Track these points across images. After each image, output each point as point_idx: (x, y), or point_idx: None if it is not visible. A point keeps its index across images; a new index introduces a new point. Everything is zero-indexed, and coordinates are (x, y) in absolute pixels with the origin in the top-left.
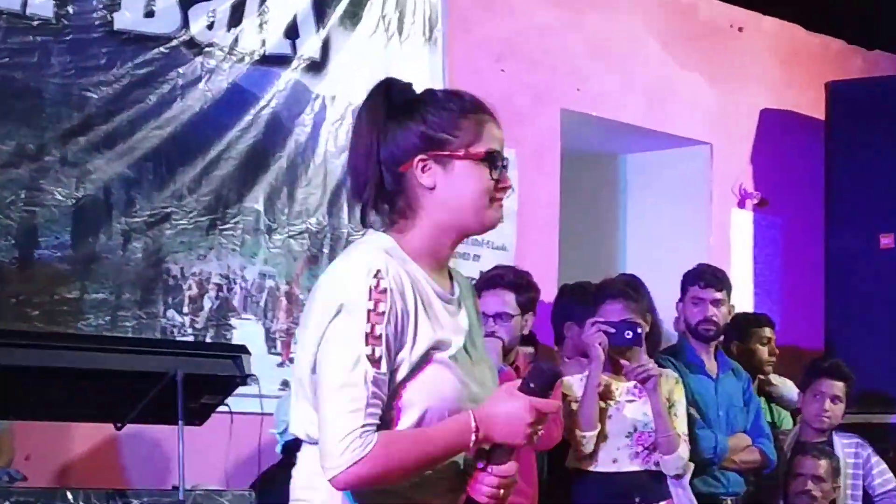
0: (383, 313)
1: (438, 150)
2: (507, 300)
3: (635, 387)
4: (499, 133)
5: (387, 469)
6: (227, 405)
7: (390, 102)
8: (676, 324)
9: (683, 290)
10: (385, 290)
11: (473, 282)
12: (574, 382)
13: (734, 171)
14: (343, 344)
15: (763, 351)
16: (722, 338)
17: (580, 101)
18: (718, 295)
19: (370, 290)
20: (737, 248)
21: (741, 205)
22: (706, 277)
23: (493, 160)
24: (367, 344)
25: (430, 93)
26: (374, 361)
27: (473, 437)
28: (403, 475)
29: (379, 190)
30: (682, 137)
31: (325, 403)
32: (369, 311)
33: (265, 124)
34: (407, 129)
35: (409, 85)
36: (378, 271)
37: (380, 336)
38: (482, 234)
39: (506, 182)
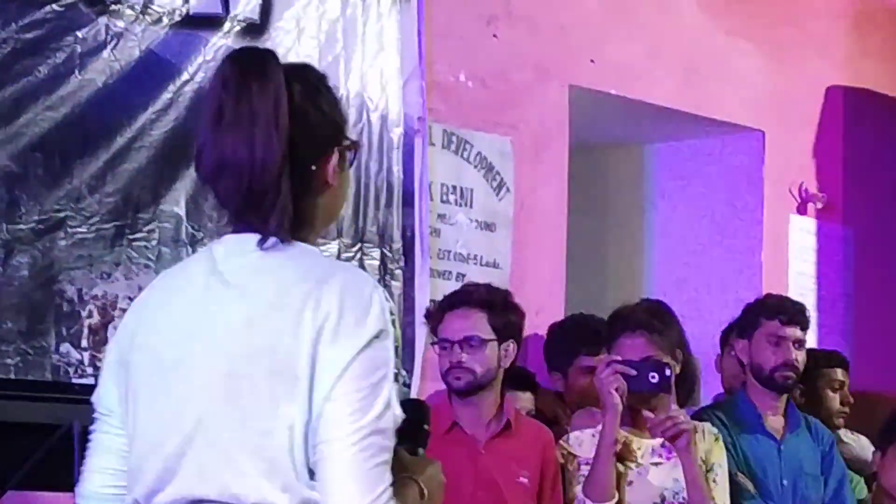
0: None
1: (340, 138)
2: (475, 322)
3: (663, 445)
4: None
5: None
6: None
7: (295, 75)
8: (718, 366)
9: (749, 325)
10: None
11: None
12: (584, 439)
13: (792, 167)
14: (379, 381)
15: (833, 399)
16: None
17: (594, 75)
18: (801, 335)
19: (391, 322)
20: (795, 264)
21: (801, 210)
22: (789, 312)
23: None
24: (393, 382)
25: (309, 66)
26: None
27: None
28: None
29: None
30: (726, 123)
31: (346, 455)
32: (396, 347)
33: (188, 104)
34: (320, 112)
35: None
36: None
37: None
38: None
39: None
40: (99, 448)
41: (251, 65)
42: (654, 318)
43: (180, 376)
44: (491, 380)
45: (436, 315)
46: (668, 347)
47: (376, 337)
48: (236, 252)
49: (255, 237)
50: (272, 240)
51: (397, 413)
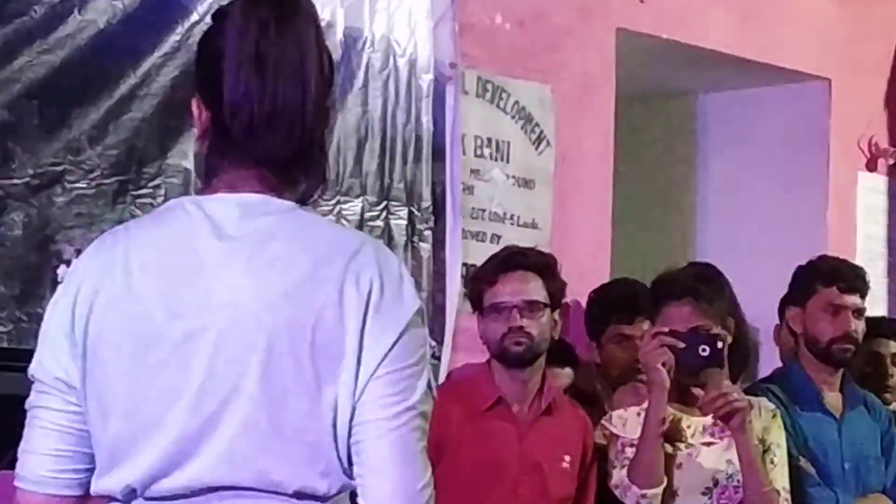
0: None
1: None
2: (535, 286)
3: (715, 423)
4: None
5: None
6: None
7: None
8: (777, 336)
9: (803, 292)
10: None
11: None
12: (627, 418)
13: (861, 119)
14: (421, 361)
15: (890, 369)
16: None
17: (644, 17)
18: (860, 303)
19: None
20: (864, 226)
21: (871, 166)
22: (847, 278)
23: None
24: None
25: None
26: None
27: None
28: None
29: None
30: (788, 70)
31: (394, 437)
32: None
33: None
34: (326, 50)
35: None
36: None
37: None
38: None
39: None
40: (44, 427)
41: (286, 5)
42: (702, 283)
43: (195, 350)
44: (543, 351)
45: (485, 278)
46: (719, 316)
47: (416, 313)
48: (244, 214)
49: (266, 198)
50: (286, 203)
51: (434, 395)
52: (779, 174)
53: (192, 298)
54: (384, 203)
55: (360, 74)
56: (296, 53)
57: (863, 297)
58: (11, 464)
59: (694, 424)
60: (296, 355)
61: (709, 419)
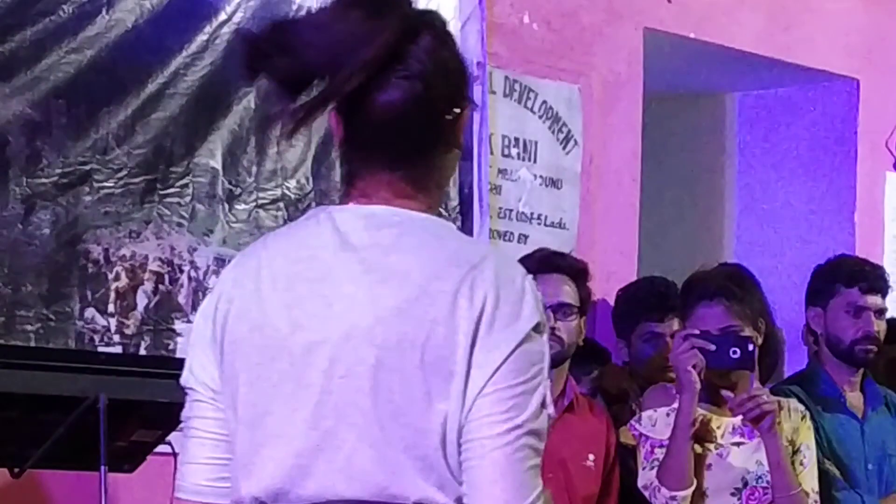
0: None
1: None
2: (568, 290)
3: (744, 424)
4: None
5: None
6: (169, 444)
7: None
8: (805, 338)
9: (824, 293)
10: None
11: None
12: (657, 418)
13: (889, 119)
14: (535, 378)
15: None
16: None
17: (672, 17)
18: (882, 303)
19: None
20: (893, 227)
21: None
22: (869, 278)
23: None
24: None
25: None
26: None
27: None
28: None
29: None
30: (816, 70)
31: (499, 455)
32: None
33: (226, 47)
34: (455, 59)
35: None
36: None
37: None
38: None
39: None
40: (199, 436)
41: (419, 15)
42: (735, 284)
43: (313, 363)
44: (570, 355)
45: None
46: (750, 317)
47: (534, 329)
48: (369, 225)
49: (394, 210)
50: (415, 214)
51: (551, 413)
52: (806, 174)
53: (314, 310)
54: None
55: None
56: (428, 65)
57: (884, 297)
58: (40, 463)
59: (724, 425)
60: (405, 371)
61: (738, 419)
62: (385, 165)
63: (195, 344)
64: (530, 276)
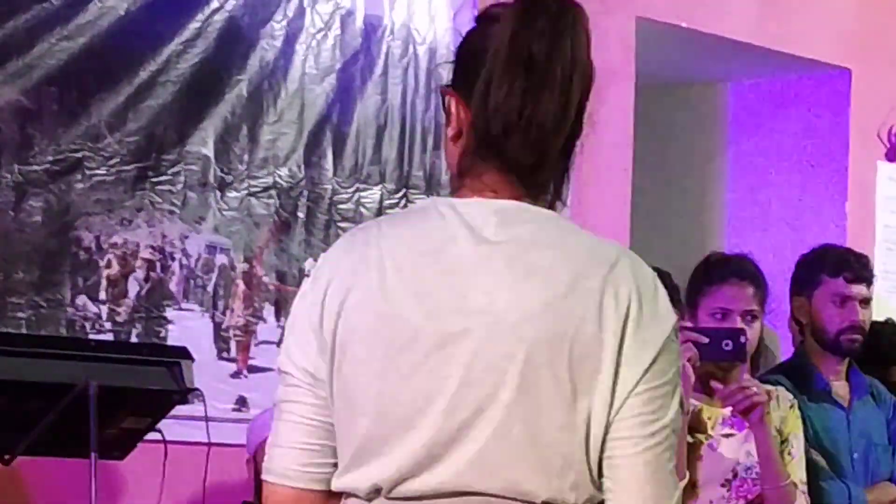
0: None
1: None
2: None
3: (734, 415)
4: None
5: None
6: (159, 431)
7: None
8: (790, 327)
9: (809, 282)
10: None
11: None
12: None
13: (882, 109)
14: (675, 376)
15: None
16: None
17: (664, 6)
18: (867, 292)
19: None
20: (883, 216)
21: (891, 156)
22: (854, 268)
23: None
24: None
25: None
26: None
27: None
28: None
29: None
30: (808, 60)
31: (649, 455)
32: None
33: (218, 34)
34: (590, 61)
35: None
36: None
37: None
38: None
39: None
40: (294, 420)
41: (565, 15)
42: (758, 270)
43: (451, 355)
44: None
45: None
46: (763, 305)
47: (673, 328)
48: (503, 221)
49: (523, 205)
50: (543, 210)
51: (686, 411)
52: (798, 163)
53: (449, 302)
54: (403, 191)
55: (380, 62)
56: (566, 63)
57: (869, 286)
58: (30, 450)
59: (714, 415)
60: (554, 367)
61: (728, 410)
62: (506, 169)
63: (297, 328)
64: (656, 275)
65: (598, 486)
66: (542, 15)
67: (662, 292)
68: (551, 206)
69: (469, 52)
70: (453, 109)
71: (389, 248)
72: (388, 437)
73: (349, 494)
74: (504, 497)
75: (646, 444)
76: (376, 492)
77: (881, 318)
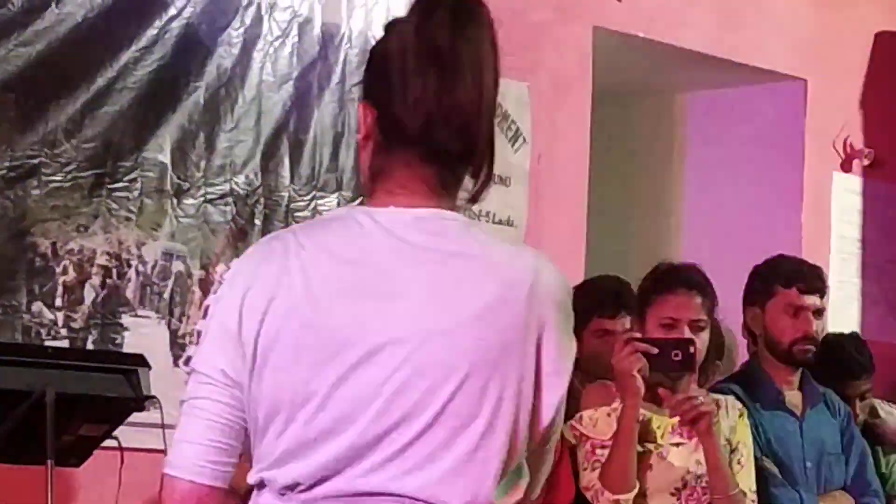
0: None
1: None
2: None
3: (682, 424)
4: None
5: None
6: (115, 438)
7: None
8: (744, 336)
9: (762, 293)
10: None
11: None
12: (598, 418)
13: (837, 119)
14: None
15: (857, 408)
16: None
17: (621, 16)
18: (820, 303)
19: None
20: (838, 227)
21: (846, 167)
22: (807, 279)
23: None
24: None
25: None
26: None
27: None
28: None
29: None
30: (764, 71)
31: (550, 463)
32: None
33: (175, 41)
34: (497, 51)
35: None
36: None
37: None
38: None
39: None
40: (207, 418)
41: (461, 5)
42: (707, 280)
43: (381, 362)
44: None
45: None
46: (710, 312)
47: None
48: (423, 228)
49: (439, 212)
50: (459, 218)
51: None
52: (754, 174)
53: (377, 311)
54: (360, 199)
55: (338, 70)
56: (471, 51)
57: (822, 296)
58: None
59: (664, 424)
60: (482, 376)
61: (678, 418)
62: (422, 163)
63: (212, 331)
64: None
65: (508, 490)
66: (441, 8)
67: (571, 300)
68: (474, 199)
69: (377, 58)
70: (361, 115)
71: (312, 257)
72: (316, 440)
73: (262, 487)
74: (418, 499)
75: (552, 447)
76: (292, 487)
77: (836, 330)
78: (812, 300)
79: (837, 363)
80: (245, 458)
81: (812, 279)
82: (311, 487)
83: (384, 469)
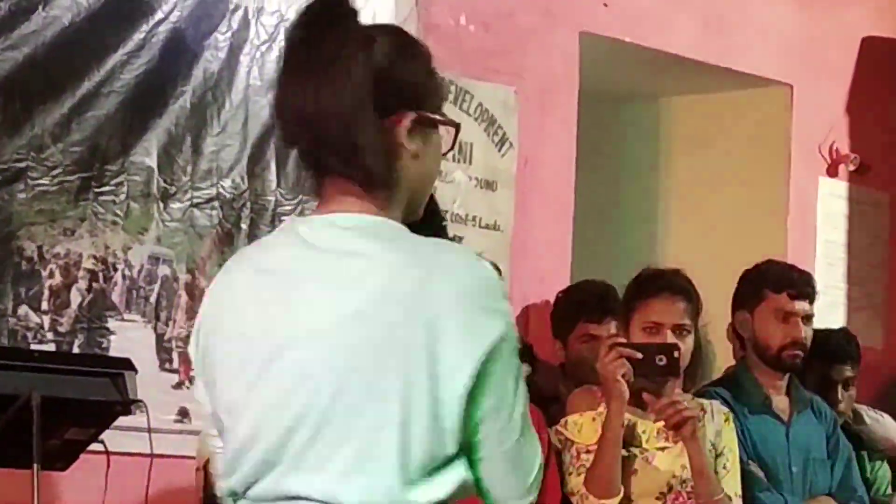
0: None
1: (424, 109)
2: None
3: (666, 429)
4: None
5: None
6: (102, 442)
7: (381, 30)
8: (731, 340)
9: (752, 297)
10: None
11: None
12: (583, 423)
13: (822, 124)
14: (517, 381)
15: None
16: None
17: (608, 20)
18: (809, 309)
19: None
20: (824, 232)
21: (832, 172)
22: (797, 284)
23: (456, 134)
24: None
25: (400, 29)
26: None
27: None
28: None
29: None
30: (750, 75)
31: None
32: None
33: (162, 46)
34: (404, 71)
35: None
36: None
37: None
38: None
39: None
40: (219, 452)
41: (324, 13)
42: (690, 285)
43: (279, 366)
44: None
45: None
46: (696, 320)
47: (503, 336)
48: (332, 233)
49: (350, 216)
50: (371, 219)
51: None
52: (740, 179)
53: (280, 316)
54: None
55: None
56: (333, 51)
57: (811, 303)
58: None
59: (649, 429)
60: (365, 373)
61: (663, 423)
62: (316, 170)
63: (195, 372)
64: (489, 272)
65: (418, 490)
66: (306, 11)
67: (491, 299)
68: (385, 210)
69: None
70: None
71: (240, 271)
72: (244, 447)
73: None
74: (321, 501)
75: (502, 448)
76: (235, 495)
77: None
78: (802, 306)
79: (823, 345)
80: None
81: (802, 285)
82: (244, 494)
83: (292, 473)
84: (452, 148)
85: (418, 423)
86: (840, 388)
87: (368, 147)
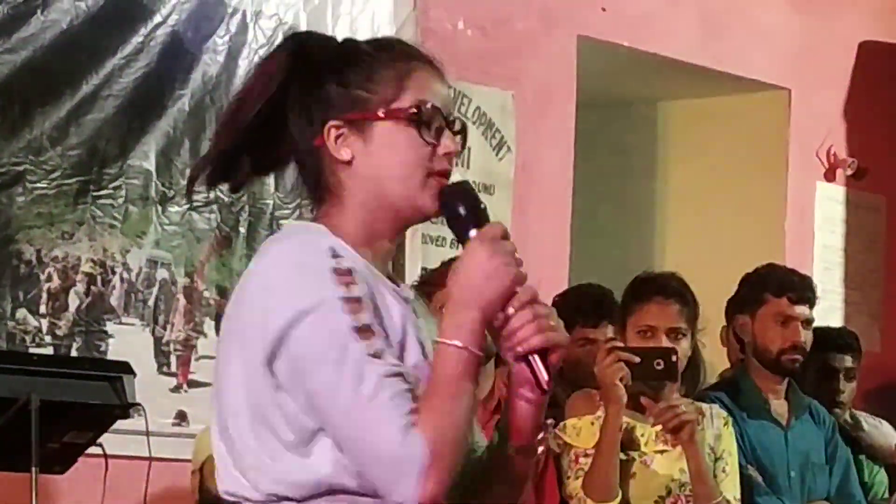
0: (359, 299)
1: (351, 112)
2: None
3: (665, 433)
4: (438, 85)
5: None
6: (100, 445)
7: (305, 60)
8: (729, 344)
9: (752, 301)
10: (350, 271)
11: None
12: (582, 427)
13: (820, 129)
14: (330, 358)
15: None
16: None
17: (606, 25)
18: (809, 313)
19: (333, 272)
20: (822, 236)
21: (829, 176)
22: (798, 289)
23: (422, 117)
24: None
25: (347, 43)
26: (379, 356)
27: (471, 320)
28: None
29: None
30: (748, 80)
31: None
32: (343, 298)
33: (161, 49)
34: (320, 90)
35: (331, 39)
36: (332, 248)
37: (369, 326)
38: (423, 222)
39: (448, 147)
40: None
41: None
42: (686, 289)
43: None
44: (493, 355)
45: (434, 281)
46: (692, 321)
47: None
48: None
49: (290, 223)
50: (289, 224)
51: None
52: (737, 183)
53: None
54: None
55: None
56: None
57: (811, 307)
58: None
59: (648, 432)
60: (224, 358)
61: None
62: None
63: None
64: (322, 254)
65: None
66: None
67: (265, 282)
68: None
69: None
70: None
71: None
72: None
73: None
74: (229, 496)
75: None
76: None
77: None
78: (802, 310)
79: (823, 337)
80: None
81: (802, 289)
82: None
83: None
84: (426, 134)
85: (268, 418)
86: (842, 377)
87: (307, 170)
